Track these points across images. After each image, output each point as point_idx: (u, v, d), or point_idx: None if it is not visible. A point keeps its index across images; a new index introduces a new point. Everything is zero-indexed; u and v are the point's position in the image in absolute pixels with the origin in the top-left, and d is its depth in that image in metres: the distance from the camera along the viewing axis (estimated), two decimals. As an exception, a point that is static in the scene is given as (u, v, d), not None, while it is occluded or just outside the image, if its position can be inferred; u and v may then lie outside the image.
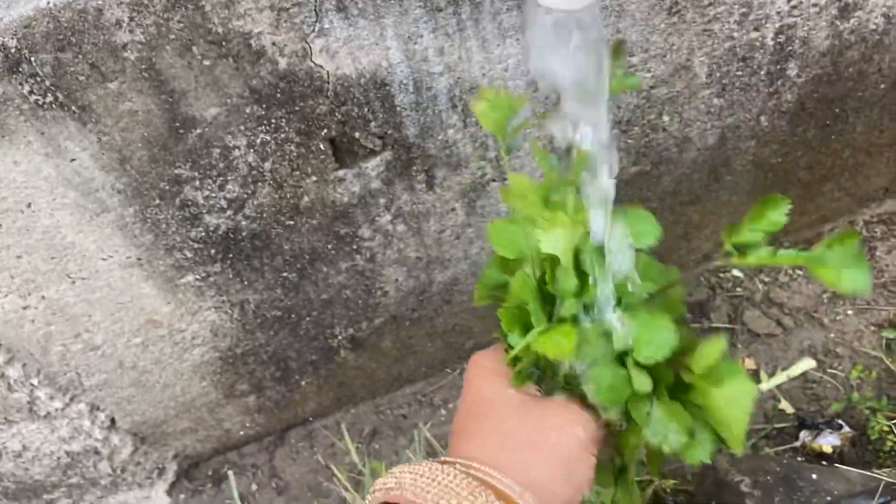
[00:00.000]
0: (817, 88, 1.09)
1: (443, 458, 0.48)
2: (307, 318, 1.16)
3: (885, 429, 1.09)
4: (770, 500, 0.97)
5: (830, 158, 1.24)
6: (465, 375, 0.54)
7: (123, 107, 0.80)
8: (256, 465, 1.37)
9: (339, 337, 1.22)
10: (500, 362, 0.53)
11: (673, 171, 1.16)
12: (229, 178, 0.90)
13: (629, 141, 1.08)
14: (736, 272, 1.40)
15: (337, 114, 0.88)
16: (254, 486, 1.35)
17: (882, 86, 1.13)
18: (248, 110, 0.84)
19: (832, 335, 1.29)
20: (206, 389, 1.22)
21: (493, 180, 1.06)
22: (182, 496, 1.36)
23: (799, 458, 1.14)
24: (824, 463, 1.11)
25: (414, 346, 1.31)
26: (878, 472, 0.92)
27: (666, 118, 1.06)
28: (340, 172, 0.96)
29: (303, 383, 1.29)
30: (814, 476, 1.00)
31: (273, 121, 0.86)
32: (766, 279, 1.38)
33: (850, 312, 1.30)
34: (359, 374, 1.33)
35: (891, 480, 0.91)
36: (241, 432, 1.35)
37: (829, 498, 0.95)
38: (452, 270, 1.19)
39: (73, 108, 0.77)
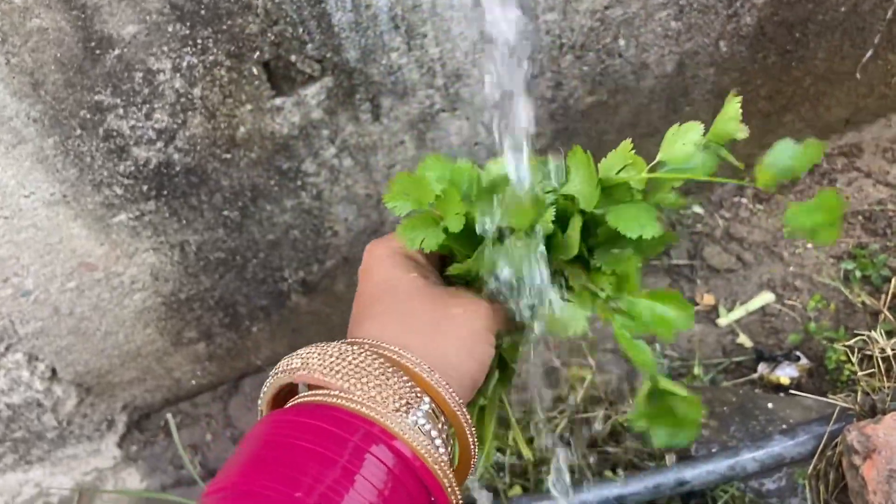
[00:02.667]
0: (777, 11, 1.06)
1: (350, 339, 0.46)
2: (253, 261, 1.11)
3: (843, 358, 1.09)
4: (726, 429, 0.97)
5: (791, 87, 1.21)
6: (362, 264, 0.52)
7: (31, 24, 0.73)
8: (210, 414, 1.34)
9: (290, 280, 1.18)
10: (398, 249, 0.52)
11: (631, 101, 1.12)
12: (156, 105, 0.84)
13: (584, 68, 1.03)
14: (696, 208, 1.38)
15: (269, 34, 0.83)
16: (208, 436, 1.32)
17: (842, 8, 1.09)
18: (170, 29, 0.78)
19: (791, 268, 1.27)
20: (152, 337, 1.17)
21: (443, 110, 1.01)
22: (134, 448, 1.32)
23: (756, 391, 1.13)
24: (782, 395, 1.11)
25: (369, 289, 1.27)
26: (833, 397, 0.91)
27: (622, 42, 1.02)
28: (278, 101, 0.90)
29: (254, 329, 1.25)
30: (770, 405, 0.99)
31: (199, 41, 0.80)
32: (727, 215, 1.36)
33: (809, 245, 1.29)
34: (313, 320, 1.29)
35: (846, 405, 0.90)
36: (193, 381, 1.31)
37: (784, 425, 0.94)
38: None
39: (-26, 24, 0.71)
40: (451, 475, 0.42)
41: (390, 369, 0.42)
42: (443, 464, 0.41)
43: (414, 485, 0.40)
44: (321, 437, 0.39)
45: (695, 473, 0.92)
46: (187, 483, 1.27)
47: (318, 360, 0.43)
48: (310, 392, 0.43)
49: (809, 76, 1.20)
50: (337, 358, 0.42)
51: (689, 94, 1.14)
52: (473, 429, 0.45)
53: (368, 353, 0.43)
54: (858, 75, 1.23)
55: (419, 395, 0.42)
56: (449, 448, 0.43)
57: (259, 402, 0.47)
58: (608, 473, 1.01)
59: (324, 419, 0.40)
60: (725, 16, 1.03)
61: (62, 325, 1.08)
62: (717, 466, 0.92)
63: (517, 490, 1.03)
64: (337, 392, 0.41)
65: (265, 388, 0.46)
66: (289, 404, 0.44)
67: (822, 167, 1.37)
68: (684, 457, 0.97)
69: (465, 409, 0.44)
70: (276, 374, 0.45)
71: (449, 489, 0.41)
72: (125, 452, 1.32)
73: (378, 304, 0.48)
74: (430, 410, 0.42)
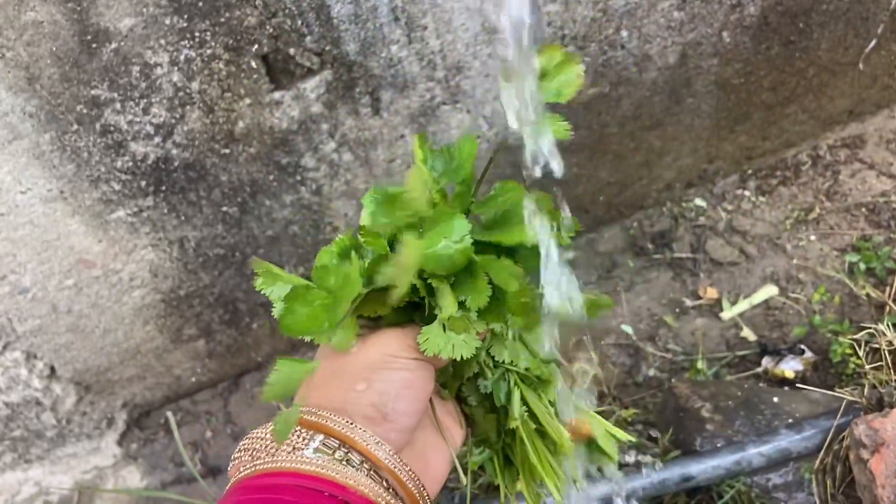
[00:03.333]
0: (781, 1, 1.05)
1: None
2: (253, 257, 1.10)
3: (848, 351, 1.08)
4: (731, 424, 0.96)
5: (794, 78, 1.20)
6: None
7: (26, 17, 0.72)
8: (211, 411, 1.33)
9: (290, 276, 1.17)
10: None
11: (633, 93, 1.11)
12: (153, 100, 0.83)
13: (586, 59, 1.02)
14: (699, 201, 1.37)
15: (268, 27, 0.81)
16: (208, 433, 1.31)
17: (847, -2, 1.08)
18: (167, 21, 0.77)
19: (795, 261, 1.27)
20: (151, 334, 1.16)
21: (444, 103, 1.00)
22: (134, 446, 1.31)
23: (761, 384, 1.12)
24: (787, 388, 1.10)
25: (369, 284, 1.26)
26: (839, 391, 0.90)
27: (624, 33, 1.01)
28: (277, 94, 0.89)
29: (254, 326, 1.24)
30: (775, 399, 0.98)
31: (197, 34, 0.79)
32: (730, 207, 1.35)
33: (812, 238, 1.28)
34: (313, 316, 1.28)
35: (853, 399, 0.89)
36: (193, 379, 1.30)
37: (790, 419, 0.94)
38: (405, 203, 1.13)
39: (-33, 18, 0.70)
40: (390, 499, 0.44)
41: (295, 434, 0.44)
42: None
43: None
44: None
45: (700, 468, 0.91)
46: (187, 480, 1.26)
47: (247, 443, 0.47)
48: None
49: (813, 67, 1.19)
50: (256, 438, 0.46)
51: (691, 86, 1.13)
52: (396, 458, 0.46)
53: (264, 427, 0.46)
54: (862, 66, 1.22)
55: (308, 434, 0.44)
56: (386, 486, 0.45)
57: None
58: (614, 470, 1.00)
59: (232, 495, 0.43)
60: (729, 6, 1.02)
61: (60, 323, 1.07)
62: (723, 461, 0.91)
63: (519, 487, 1.02)
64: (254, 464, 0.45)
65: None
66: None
67: (826, 159, 1.36)
68: (689, 452, 0.96)
69: (364, 432, 0.45)
70: (231, 461, 0.48)
71: None
72: (125, 450, 1.31)
73: (312, 380, 0.50)
74: (323, 444, 0.44)
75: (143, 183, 0.92)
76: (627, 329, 1.27)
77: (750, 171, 1.37)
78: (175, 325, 1.16)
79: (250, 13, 0.79)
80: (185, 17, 0.77)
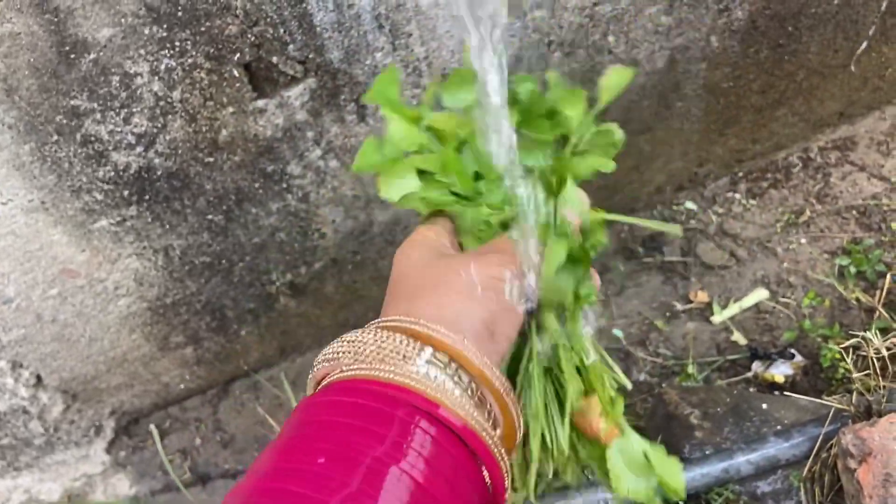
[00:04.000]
0: (769, 4, 1.04)
1: (382, 323, 0.45)
2: (240, 264, 1.09)
3: (837, 356, 1.07)
4: (720, 430, 0.95)
5: (784, 81, 1.19)
6: (395, 259, 0.52)
7: (3, 29, 0.71)
8: (200, 418, 1.32)
9: (277, 283, 1.16)
10: (419, 240, 0.52)
11: (621, 98, 1.09)
12: (134, 109, 0.82)
13: (574, 65, 1.01)
14: (690, 204, 1.36)
15: (249, 35, 0.80)
16: (198, 440, 1.30)
17: (836, 1, 1.08)
18: (146, 31, 0.76)
19: (785, 264, 1.26)
20: (138, 342, 1.15)
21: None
22: (122, 453, 1.30)
23: (751, 389, 1.12)
24: (777, 393, 1.09)
25: (359, 290, 1.26)
26: (828, 398, 0.90)
27: (612, 39, 1.00)
28: (260, 103, 0.88)
29: (242, 333, 1.23)
30: (764, 405, 0.98)
31: (177, 43, 0.78)
32: (720, 210, 1.35)
33: (803, 241, 1.28)
34: (302, 322, 1.27)
35: (841, 407, 0.89)
36: (182, 386, 1.30)
37: (778, 427, 0.93)
38: (394, 209, 1.13)
39: (-58, 30, 0.69)
40: (491, 431, 0.41)
41: (413, 345, 0.42)
42: (475, 417, 0.41)
43: (453, 447, 0.39)
44: (336, 411, 0.40)
45: (689, 476, 0.91)
46: (177, 488, 1.26)
47: (348, 346, 0.44)
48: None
49: (802, 70, 1.18)
50: (362, 342, 0.43)
51: (680, 90, 1.13)
52: (504, 380, 0.44)
53: (394, 333, 0.43)
54: (853, 68, 1.21)
55: (417, 346, 0.42)
56: (488, 412, 0.43)
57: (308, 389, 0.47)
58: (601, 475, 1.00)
59: (336, 393, 0.41)
60: (716, 10, 1.02)
61: (45, 332, 1.06)
62: (712, 469, 0.91)
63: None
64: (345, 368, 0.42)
65: (310, 376, 0.47)
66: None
67: (816, 162, 1.35)
68: (678, 459, 0.95)
69: (477, 351, 0.43)
70: (315, 366, 0.46)
71: (493, 448, 0.41)
72: (114, 458, 1.30)
73: (392, 287, 0.49)
74: (433, 358, 0.41)
75: (126, 192, 0.91)
76: (618, 333, 1.27)
77: (740, 174, 1.37)
78: (162, 332, 1.16)
79: (231, 22, 0.78)
80: (165, 26, 0.76)
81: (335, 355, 0.43)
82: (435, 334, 0.43)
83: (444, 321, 0.43)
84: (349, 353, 0.43)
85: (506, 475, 0.42)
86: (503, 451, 0.42)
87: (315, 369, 0.45)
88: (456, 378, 0.41)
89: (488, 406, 0.42)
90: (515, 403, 0.44)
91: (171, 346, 1.19)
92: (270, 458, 0.38)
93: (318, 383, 0.45)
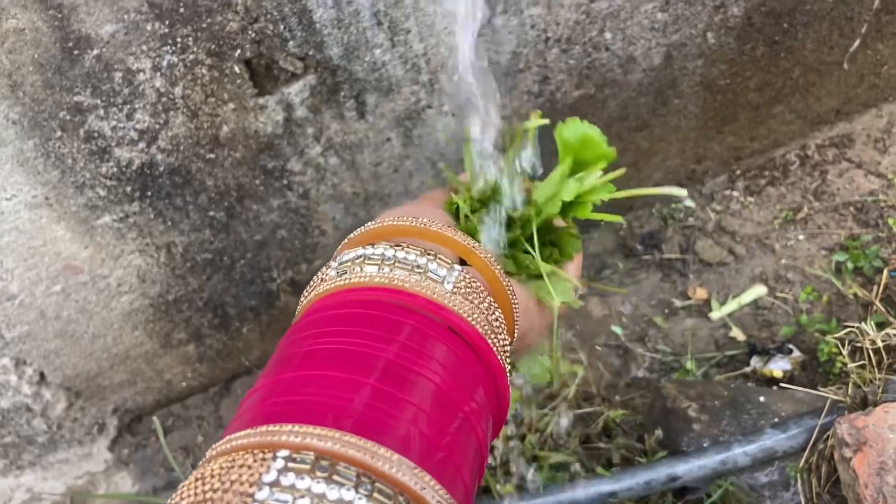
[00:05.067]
0: (764, 1, 1.05)
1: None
2: (241, 261, 1.10)
3: (835, 350, 1.08)
4: (717, 423, 0.96)
5: (780, 78, 1.20)
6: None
7: (7, 24, 0.72)
8: (202, 416, 1.33)
9: (278, 280, 1.17)
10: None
11: (618, 95, 1.11)
12: (137, 105, 0.83)
13: (571, 61, 1.03)
14: (688, 202, 1.37)
15: (250, 31, 0.82)
16: (199, 438, 1.31)
17: (831, -2, 1.09)
18: (149, 27, 0.77)
19: (783, 261, 1.27)
20: (140, 339, 1.16)
21: (429, 107, 1.00)
22: (125, 451, 1.31)
23: (750, 384, 1.13)
24: (774, 387, 1.10)
25: (359, 287, 1.26)
26: (823, 390, 0.90)
27: (608, 35, 1.01)
28: (261, 99, 0.90)
29: (244, 330, 1.24)
30: (761, 398, 0.98)
31: (179, 40, 0.79)
32: (718, 208, 1.35)
33: (801, 237, 1.29)
34: (303, 319, 1.28)
35: (837, 398, 0.89)
36: (184, 383, 1.31)
37: (776, 419, 0.94)
38: (393, 206, 1.14)
39: (-52, 26, 0.70)
40: (488, 321, 0.44)
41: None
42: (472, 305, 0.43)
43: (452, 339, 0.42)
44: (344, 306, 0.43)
45: (686, 468, 0.92)
46: (179, 485, 1.27)
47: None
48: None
49: (798, 67, 1.19)
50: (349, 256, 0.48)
51: (677, 87, 1.14)
52: (499, 267, 0.47)
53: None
54: (846, 65, 1.22)
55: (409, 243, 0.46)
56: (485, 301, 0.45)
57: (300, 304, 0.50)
58: (600, 469, 1.00)
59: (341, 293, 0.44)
60: (712, 7, 1.03)
61: (49, 329, 1.07)
62: (709, 461, 0.91)
63: (509, 488, 1.03)
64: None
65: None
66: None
67: (814, 159, 1.36)
68: (676, 452, 0.96)
69: (465, 236, 0.47)
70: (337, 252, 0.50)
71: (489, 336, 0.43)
72: (117, 456, 1.31)
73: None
74: (423, 250, 0.45)
75: (129, 188, 0.92)
76: (617, 330, 1.27)
77: (738, 172, 1.38)
78: (164, 329, 1.17)
79: (232, 18, 0.79)
80: (167, 22, 0.77)
81: (321, 274, 0.47)
82: (417, 224, 0.47)
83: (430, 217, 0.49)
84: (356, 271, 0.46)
85: (505, 363, 0.43)
86: (502, 339, 0.43)
87: (303, 299, 0.48)
88: (446, 264, 0.44)
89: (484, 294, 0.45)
90: (507, 280, 0.46)
91: (174, 344, 1.20)
92: (265, 378, 0.39)
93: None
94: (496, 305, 0.45)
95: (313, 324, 0.41)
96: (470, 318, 0.41)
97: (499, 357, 0.42)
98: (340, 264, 0.45)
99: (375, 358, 0.37)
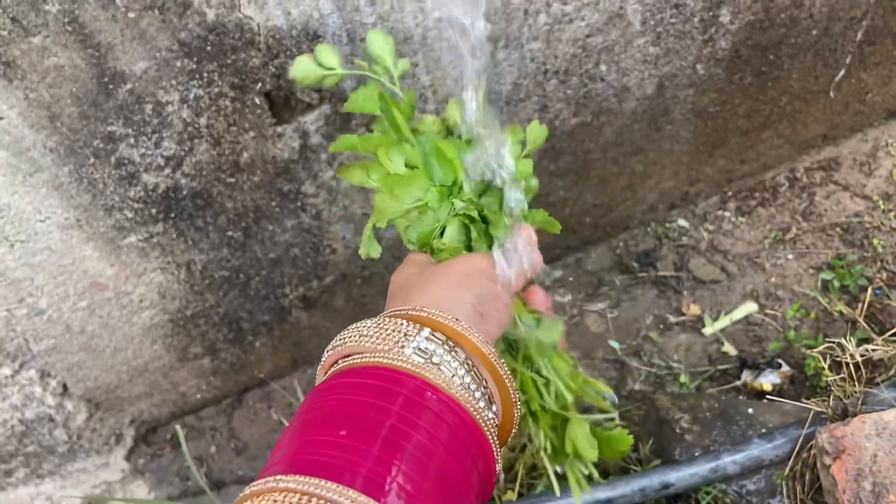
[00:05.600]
0: (751, 35, 1.11)
1: (389, 312, 0.52)
2: (256, 278, 1.16)
3: (821, 365, 1.13)
4: (708, 434, 1.01)
5: (768, 106, 1.26)
6: (391, 278, 0.61)
7: (49, 62, 0.79)
8: (215, 427, 1.38)
9: (291, 296, 1.23)
10: (415, 259, 0.61)
11: (614, 122, 1.17)
12: (164, 134, 0.90)
13: (568, 91, 1.09)
14: (682, 222, 1.43)
15: (270, 67, 0.88)
16: (213, 448, 1.36)
17: (814, 31, 1.15)
18: (178, 64, 0.83)
19: (773, 279, 1.33)
20: (159, 353, 1.22)
21: (435, 133, 1.06)
22: (141, 461, 1.36)
23: (740, 397, 1.18)
24: (764, 400, 1.15)
25: (367, 303, 1.32)
26: (807, 402, 0.96)
27: (603, 67, 1.07)
28: (279, 128, 0.96)
29: (257, 344, 1.30)
30: (750, 410, 1.03)
31: (205, 75, 0.86)
32: (711, 227, 1.41)
33: (790, 257, 1.34)
34: (313, 334, 1.34)
35: (819, 410, 0.95)
36: (198, 395, 1.36)
37: (763, 429, 0.99)
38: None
39: (-4, 64, 0.76)
40: (486, 416, 0.47)
41: (414, 327, 0.49)
42: (476, 404, 0.47)
43: (461, 429, 0.45)
44: (354, 390, 0.45)
45: (678, 476, 0.97)
46: (193, 494, 1.32)
47: (354, 334, 0.50)
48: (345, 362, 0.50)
49: (785, 95, 1.26)
50: (367, 327, 0.50)
51: (669, 114, 1.20)
52: (502, 363, 0.50)
53: (396, 318, 0.50)
54: (832, 94, 1.29)
55: (417, 328, 0.48)
56: (484, 387, 0.49)
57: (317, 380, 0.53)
58: (597, 477, 1.05)
59: (347, 375, 0.46)
60: (701, 40, 1.09)
61: (74, 343, 1.13)
62: (700, 469, 0.97)
63: (511, 496, 1.08)
64: (360, 353, 0.48)
65: (320, 366, 0.53)
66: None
67: (802, 181, 1.42)
68: (668, 460, 1.01)
69: (475, 332, 0.49)
70: (326, 354, 0.52)
71: (486, 430, 0.47)
72: (133, 465, 1.36)
73: (407, 285, 0.56)
74: (431, 336, 0.48)
75: (154, 210, 0.98)
76: (614, 344, 1.33)
77: (730, 193, 1.44)
78: (181, 343, 1.22)
79: (255, 55, 0.86)
80: (195, 59, 0.83)
81: (341, 342, 0.50)
82: (432, 316, 0.50)
83: (438, 306, 0.50)
84: (354, 336, 0.49)
85: (494, 448, 0.48)
86: (490, 419, 0.48)
87: (324, 359, 0.52)
88: (453, 353, 0.48)
89: (484, 382, 0.49)
90: (510, 378, 0.50)
91: (190, 357, 1.26)
92: (294, 435, 0.44)
93: (327, 371, 0.52)
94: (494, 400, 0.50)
95: (352, 389, 0.46)
96: (475, 413, 0.46)
97: (491, 442, 0.48)
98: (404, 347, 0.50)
99: (390, 430, 0.43)
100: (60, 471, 1.36)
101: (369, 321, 0.51)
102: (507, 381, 0.50)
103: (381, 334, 0.48)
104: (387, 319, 0.50)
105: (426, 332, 0.48)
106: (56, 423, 1.25)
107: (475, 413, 0.46)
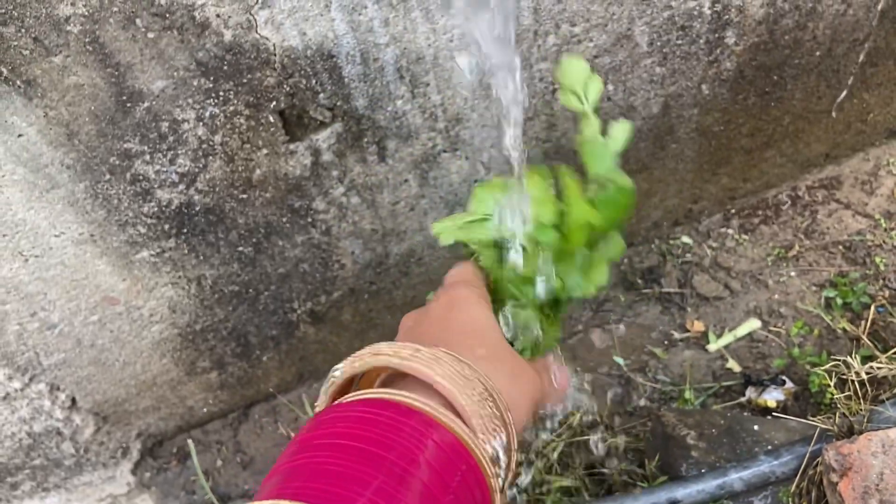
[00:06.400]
0: (755, 56, 1.13)
1: (445, 349, 0.54)
2: (265, 293, 1.17)
3: (825, 382, 1.14)
4: (714, 450, 1.02)
5: (771, 125, 1.28)
6: (448, 293, 0.63)
7: (69, 80, 0.80)
8: (221, 441, 1.39)
9: (299, 311, 1.24)
10: (477, 291, 0.63)
11: (620, 140, 1.19)
12: (180, 151, 0.91)
13: (576, 110, 1.10)
14: (686, 239, 1.45)
15: (285, 86, 0.89)
16: (219, 462, 1.37)
17: (817, 53, 1.17)
18: (195, 83, 0.85)
19: (776, 296, 1.34)
20: (167, 367, 1.23)
21: (444, 151, 1.08)
22: (147, 475, 1.37)
23: (745, 413, 1.19)
24: (768, 417, 1.16)
25: (374, 318, 1.33)
26: (813, 419, 0.97)
27: (610, 87, 1.09)
28: (292, 145, 0.97)
29: (264, 358, 1.31)
30: (756, 427, 1.04)
31: (221, 93, 0.87)
32: (714, 245, 1.43)
33: (793, 274, 1.36)
34: (320, 349, 1.35)
35: (826, 427, 0.96)
36: (205, 409, 1.37)
37: (769, 446, 1.00)
38: (408, 242, 1.21)
39: (18, 82, 0.78)
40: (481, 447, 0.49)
41: (487, 396, 0.50)
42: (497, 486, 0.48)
43: (472, 479, 0.46)
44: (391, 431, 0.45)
45: (686, 493, 0.97)
46: (199, 508, 1.32)
47: (395, 349, 0.51)
48: (381, 390, 0.50)
49: (788, 115, 1.28)
50: (411, 350, 0.51)
51: (674, 133, 1.22)
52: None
53: (437, 350, 0.51)
54: (834, 113, 1.30)
55: (499, 426, 0.50)
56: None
57: (322, 393, 0.54)
58: (604, 494, 1.06)
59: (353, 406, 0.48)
60: (707, 61, 1.11)
61: (84, 357, 1.14)
62: (707, 486, 0.97)
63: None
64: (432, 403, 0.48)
65: (332, 380, 0.54)
66: (359, 397, 0.50)
67: (804, 199, 1.44)
68: (675, 477, 1.02)
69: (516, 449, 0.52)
70: (354, 361, 0.53)
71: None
72: (139, 479, 1.36)
73: (468, 339, 0.57)
74: (504, 443, 0.50)
75: (167, 226, 0.99)
76: (619, 360, 1.34)
77: (733, 211, 1.45)
78: (190, 357, 1.23)
79: (269, 74, 0.87)
80: (212, 78, 0.85)
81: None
82: (510, 423, 0.52)
83: (512, 408, 0.52)
84: (454, 377, 0.50)
85: (492, 487, 0.49)
86: (485, 456, 0.48)
87: (328, 382, 0.53)
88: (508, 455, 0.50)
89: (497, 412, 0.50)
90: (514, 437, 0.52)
91: (198, 371, 1.26)
92: (294, 455, 0.44)
93: (333, 399, 0.52)
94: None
95: (359, 421, 0.46)
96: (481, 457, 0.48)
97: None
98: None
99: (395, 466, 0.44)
100: (66, 484, 1.37)
101: (465, 368, 0.51)
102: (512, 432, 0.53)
103: (481, 411, 0.50)
104: (483, 395, 0.51)
105: (504, 436, 0.50)
106: (63, 436, 1.25)
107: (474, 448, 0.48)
